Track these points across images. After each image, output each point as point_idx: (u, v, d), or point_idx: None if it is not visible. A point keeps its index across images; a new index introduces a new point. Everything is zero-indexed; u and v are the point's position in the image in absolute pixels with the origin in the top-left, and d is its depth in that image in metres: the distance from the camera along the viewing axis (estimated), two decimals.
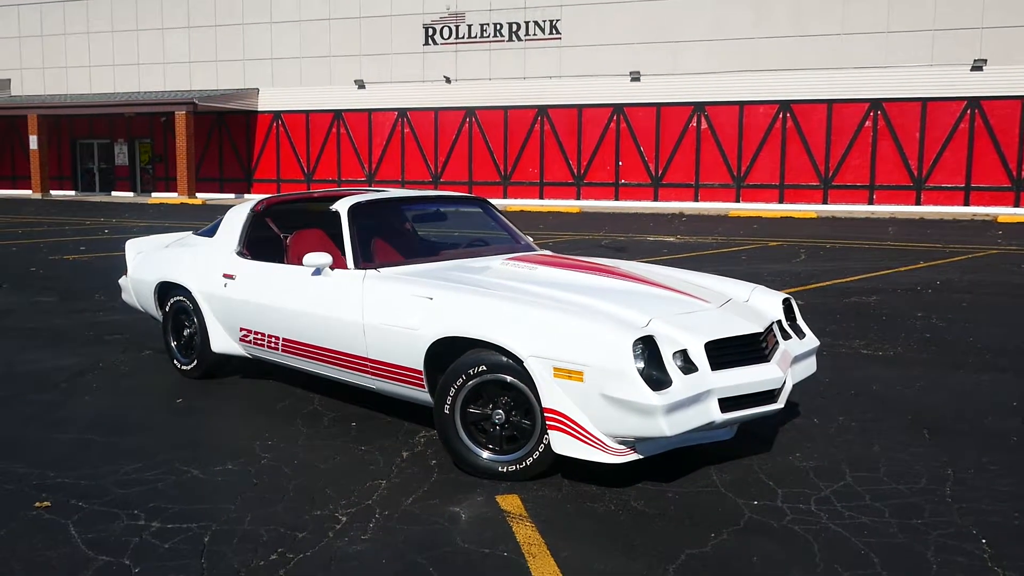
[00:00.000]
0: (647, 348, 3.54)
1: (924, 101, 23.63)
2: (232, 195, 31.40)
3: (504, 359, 3.78)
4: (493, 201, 23.81)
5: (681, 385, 3.51)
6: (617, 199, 26.88)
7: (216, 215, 6.59)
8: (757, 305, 4.43)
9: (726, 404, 3.66)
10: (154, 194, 32.39)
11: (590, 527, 3.43)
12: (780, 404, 3.87)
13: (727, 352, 3.76)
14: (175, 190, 30.54)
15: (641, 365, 3.50)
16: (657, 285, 4.31)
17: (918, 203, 23.98)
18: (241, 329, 5.18)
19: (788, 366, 4.08)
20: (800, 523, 3.46)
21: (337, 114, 30.00)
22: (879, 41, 23.85)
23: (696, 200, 25.99)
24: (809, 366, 4.44)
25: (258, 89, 30.76)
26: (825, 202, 24.76)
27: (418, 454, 4.26)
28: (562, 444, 3.64)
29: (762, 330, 3.94)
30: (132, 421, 4.80)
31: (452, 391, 3.90)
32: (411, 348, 4.10)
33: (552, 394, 3.61)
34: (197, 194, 30.09)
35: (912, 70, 23.62)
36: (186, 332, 5.63)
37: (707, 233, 17.78)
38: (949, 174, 23.71)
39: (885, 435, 4.55)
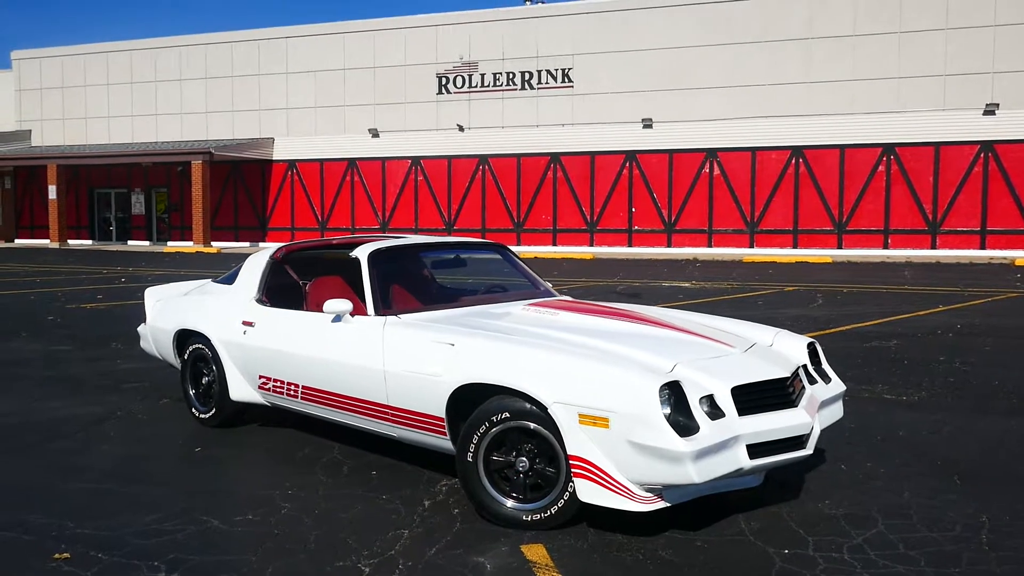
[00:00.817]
0: (673, 393, 3.49)
1: (937, 145, 23.69)
2: (247, 243, 31.66)
3: (528, 406, 3.73)
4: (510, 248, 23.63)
5: (708, 431, 3.45)
6: (631, 245, 26.92)
7: (231, 263, 6.62)
8: (782, 349, 4.38)
9: (754, 450, 3.60)
10: (170, 243, 32.70)
11: None
12: (809, 450, 3.80)
13: (754, 397, 3.71)
14: (191, 239, 30.83)
15: (668, 411, 3.45)
16: (680, 330, 4.28)
17: (933, 247, 23.89)
18: (260, 377, 5.16)
19: (815, 411, 4.01)
20: (834, 572, 3.36)
21: (351, 162, 30.34)
22: (891, 86, 24.01)
23: (710, 246, 26.00)
24: (836, 411, 4.37)
25: (273, 138, 31.19)
26: (840, 247, 24.71)
27: (440, 503, 4.19)
28: (588, 492, 3.58)
29: (788, 375, 3.89)
30: (151, 470, 4.76)
31: (475, 438, 3.86)
32: (433, 395, 4.06)
33: (577, 441, 3.56)
34: (212, 243, 30.36)
35: (924, 115, 23.74)
36: (205, 380, 5.62)
37: (722, 279, 17.74)
38: (964, 218, 23.66)
39: (915, 481, 4.46)
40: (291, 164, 31.26)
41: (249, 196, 32.10)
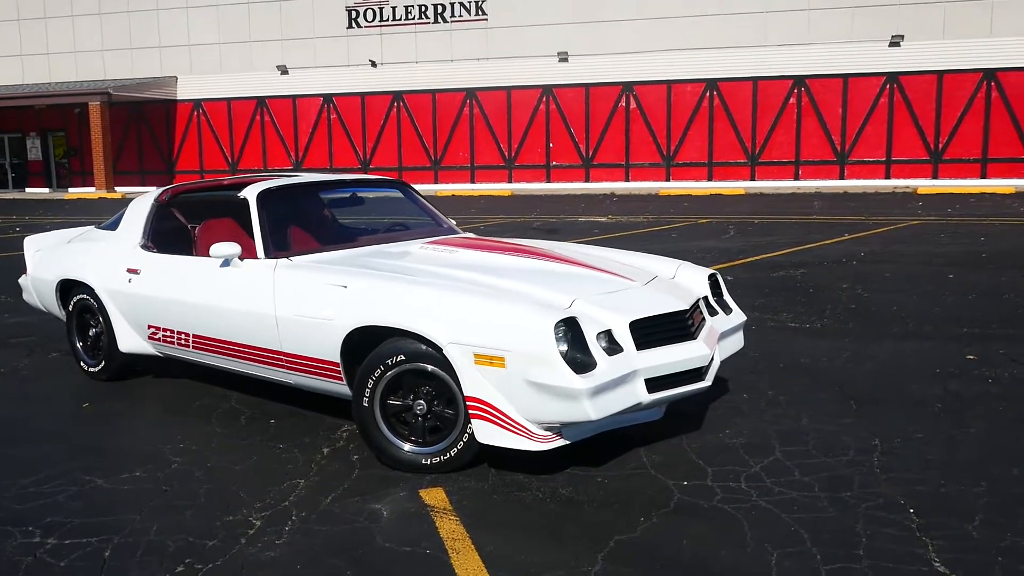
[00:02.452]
0: (570, 330, 3.42)
1: (845, 77, 24.10)
2: (154, 188, 30.35)
3: (423, 347, 3.62)
4: (423, 187, 23.29)
5: (606, 367, 3.40)
6: (549, 181, 26.82)
7: None
8: (683, 282, 4.35)
9: (653, 384, 3.57)
10: (71, 189, 31.11)
11: (517, 518, 3.31)
12: (708, 382, 3.80)
13: (653, 331, 3.67)
14: (93, 184, 29.38)
15: (564, 348, 3.38)
16: (581, 264, 4.20)
17: (842, 177, 24.50)
18: (149, 327, 4.90)
19: (715, 343, 4.01)
20: (730, 502, 3.39)
21: (260, 101, 29.19)
22: (802, 18, 24.21)
23: (627, 180, 26.10)
24: (736, 342, 4.39)
25: (176, 77, 29.72)
26: (753, 179, 25.11)
27: (339, 450, 4.08)
28: (486, 433, 3.50)
29: (688, 307, 3.86)
30: (34, 429, 4.50)
31: (370, 383, 3.73)
32: (326, 340, 3.91)
33: (474, 382, 3.46)
34: (116, 188, 29.01)
35: (833, 47, 24.06)
36: (92, 332, 5.32)
37: (638, 212, 17.84)
38: (871, 148, 24.27)
39: (813, 408, 4.54)
40: (196, 104, 29.90)
41: (154, 138, 30.67)
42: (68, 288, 5.42)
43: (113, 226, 5.37)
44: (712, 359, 3.87)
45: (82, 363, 5.41)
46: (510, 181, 27.10)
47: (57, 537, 3.21)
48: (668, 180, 25.70)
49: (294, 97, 28.83)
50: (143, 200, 5.24)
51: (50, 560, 3.04)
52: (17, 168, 32.36)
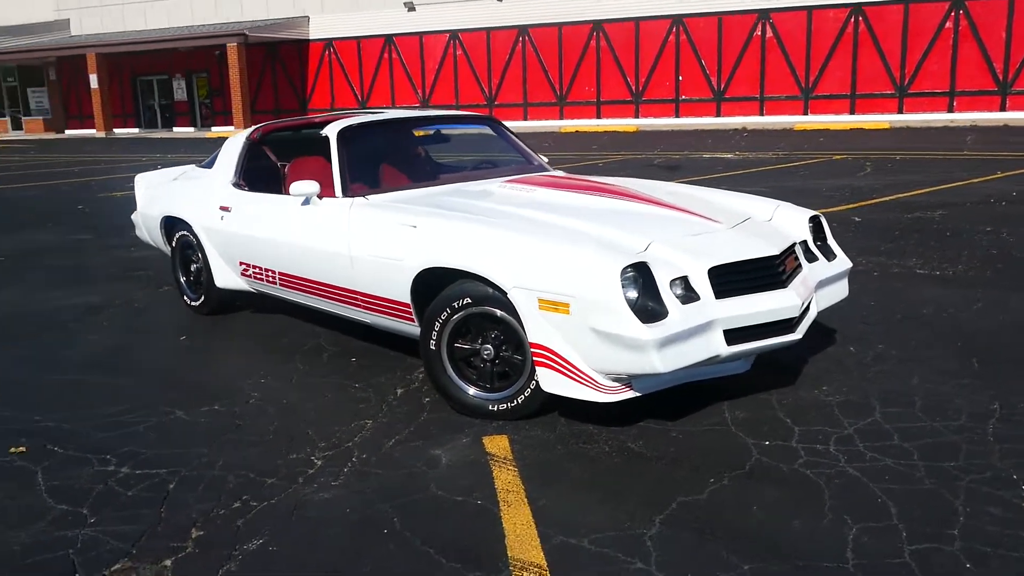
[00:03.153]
0: (640, 276, 3.17)
1: None
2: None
3: (490, 290, 3.46)
4: (548, 123, 23.05)
5: (679, 316, 3.15)
6: (677, 116, 25.87)
7: None
8: (780, 224, 3.98)
9: (733, 336, 3.29)
10: (213, 128, 32.62)
11: (579, 472, 3.15)
12: (798, 335, 3.47)
13: (735, 278, 3.37)
14: (232, 123, 30.65)
15: (634, 295, 3.14)
16: (665, 205, 3.90)
17: (1003, 109, 22.37)
18: (240, 263, 4.98)
19: (811, 291, 3.66)
20: (813, 466, 3.10)
21: (388, 39, 29.45)
22: None
23: (761, 114, 24.82)
24: (839, 290, 4.01)
25: (308, 17, 30.36)
26: (900, 111, 23.33)
27: (412, 392, 4.02)
28: (551, 382, 3.34)
29: (778, 252, 3.51)
30: (130, 361, 4.68)
31: (437, 325, 3.63)
32: (397, 280, 3.82)
33: (538, 328, 3.29)
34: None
35: None
36: (193, 267, 5.48)
37: (768, 148, 16.92)
38: None
39: (928, 365, 4.11)
40: (328, 43, 30.51)
41: (288, 77, 31.60)
42: (171, 224, 5.58)
43: (210, 164, 5.46)
44: (805, 309, 3.53)
45: (185, 297, 5.59)
46: (637, 116, 26.33)
47: (130, 467, 3.31)
48: (806, 114, 24.26)
49: (420, 34, 28.90)
50: (237, 138, 5.29)
51: (119, 489, 3.13)
52: (165, 109, 34.18)
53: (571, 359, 3.25)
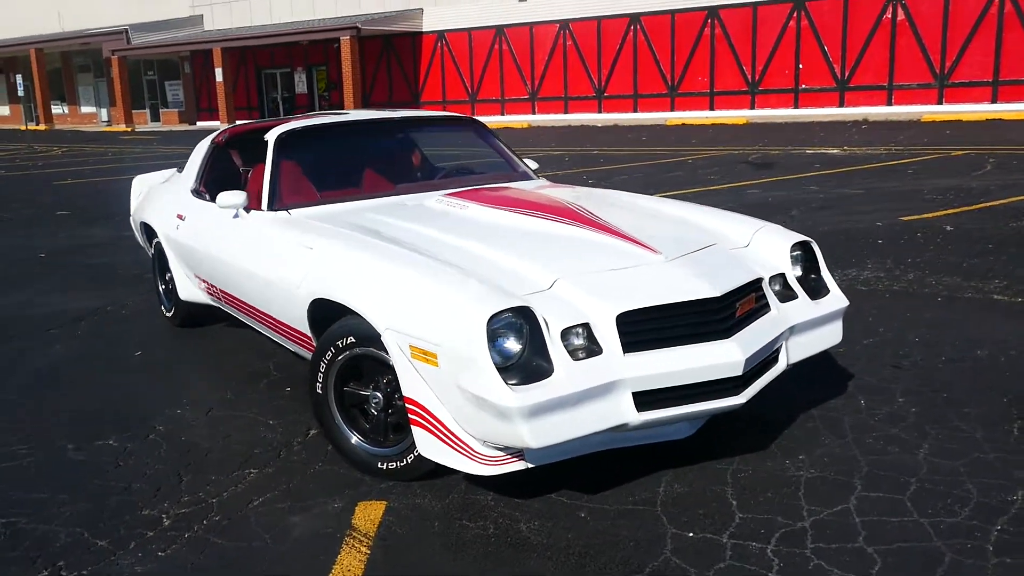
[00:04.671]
0: (527, 323, 2.56)
1: None
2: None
3: (373, 330, 2.94)
4: (658, 115, 22.00)
5: (565, 375, 2.52)
6: (796, 107, 24.23)
7: None
8: (754, 253, 3.25)
9: (646, 399, 2.63)
10: None
11: (438, 560, 2.57)
12: (741, 399, 2.76)
13: (654, 325, 2.70)
14: None
15: (516, 347, 2.55)
16: (604, 229, 3.23)
17: None
18: (195, 275, 4.65)
19: (775, 340, 2.93)
20: (744, 573, 2.41)
21: (499, 30, 29.08)
22: None
23: (889, 103, 22.87)
24: (826, 336, 3.23)
25: (422, 9, 30.40)
26: None
27: (320, 435, 3.54)
28: (426, 445, 2.78)
29: (719, 293, 2.79)
30: (70, 380, 4.41)
31: (323, 366, 3.13)
32: (296, 308, 3.35)
33: (411, 379, 2.74)
34: None
35: None
36: (167, 276, 5.21)
37: (884, 143, 15.44)
38: None
39: (949, 428, 3.28)
40: (440, 35, 30.47)
41: (402, 70, 31.82)
42: (149, 231, 5.34)
43: (182, 168, 5.17)
44: (763, 364, 2.81)
45: (162, 307, 5.33)
46: (752, 108, 24.86)
47: None
48: (940, 103, 22.17)
49: (531, 25, 28.38)
50: (204, 141, 4.97)
51: None
52: (287, 101, 35.19)
53: (444, 420, 2.68)
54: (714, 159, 14.10)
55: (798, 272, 3.30)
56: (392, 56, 31.81)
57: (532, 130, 25.05)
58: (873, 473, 2.97)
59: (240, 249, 3.86)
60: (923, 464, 3.02)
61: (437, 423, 2.69)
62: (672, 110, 26.03)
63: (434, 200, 3.79)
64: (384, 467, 3.04)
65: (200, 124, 36.85)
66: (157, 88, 39.32)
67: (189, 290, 4.83)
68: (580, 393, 2.50)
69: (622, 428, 2.63)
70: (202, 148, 4.89)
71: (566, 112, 28.26)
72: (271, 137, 4.08)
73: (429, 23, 30.54)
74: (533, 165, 4.75)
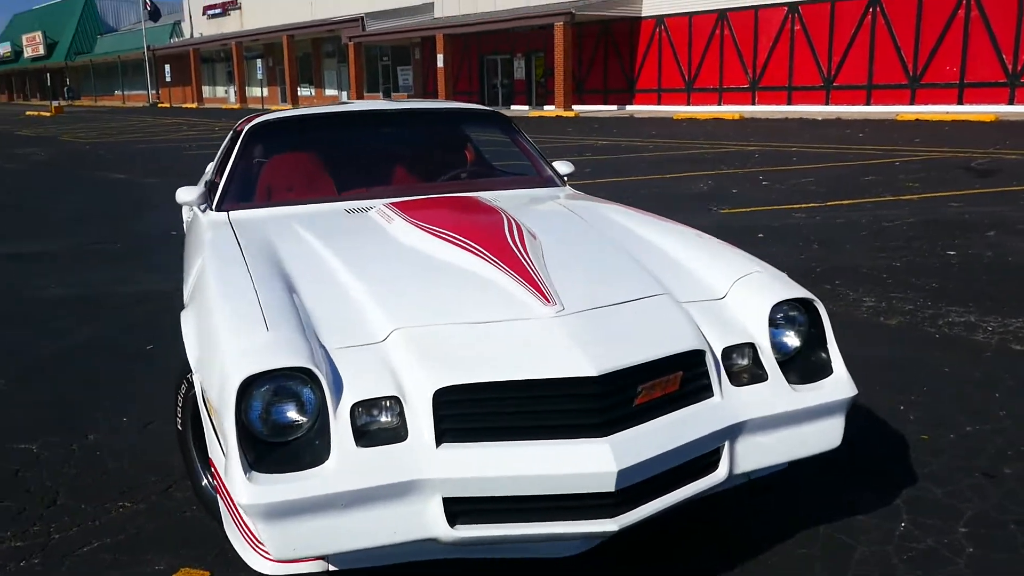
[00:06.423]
0: (314, 391, 1.94)
1: None
2: (614, 107, 30.92)
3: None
4: (896, 108, 19.94)
5: (340, 466, 1.87)
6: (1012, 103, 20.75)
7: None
8: (731, 309, 2.35)
9: (463, 510, 1.91)
10: (546, 107, 33.27)
11: None
12: (610, 525, 1.94)
13: (494, 409, 1.94)
14: (554, 103, 30.97)
15: (300, 419, 1.94)
16: (510, 263, 2.41)
17: None
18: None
19: (692, 439, 2.07)
20: None
21: (721, 14, 27.48)
22: None
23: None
24: (811, 437, 2.26)
25: None
26: None
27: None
28: (226, 521, 2.24)
29: (596, 373, 1.96)
30: (71, 369, 4.33)
31: (180, 400, 2.68)
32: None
33: (211, 436, 2.21)
34: (573, 106, 30.13)
35: None
36: None
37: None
38: None
39: (945, 534, 2.23)
40: (659, 20, 29.36)
41: (618, 57, 31.07)
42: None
43: None
44: (639, 479, 1.98)
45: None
46: (1011, 103, 21.57)
47: None
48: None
49: (756, 8, 26.55)
50: (231, 134, 4.70)
51: None
52: (506, 87, 35.65)
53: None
54: (929, 162, 12.19)
55: (792, 341, 2.37)
56: (609, 42, 31.15)
57: (741, 122, 23.35)
58: None
59: (191, 251, 3.52)
60: None
61: (228, 496, 2.14)
62: (912, 103, 23.29)
63: (374, 210, 3.19)
64: None
65: None
66: (390, 73, 41.41)
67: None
68: (358, 492, 1.84)
69: (432, 542, 1.94)
70: (226, 141, 4.63)
71: (789, 103, 26.19)
72: (241, 129, 3.70)
73: (648, 8, 29.55)
74: (565, 169, 4.02)
